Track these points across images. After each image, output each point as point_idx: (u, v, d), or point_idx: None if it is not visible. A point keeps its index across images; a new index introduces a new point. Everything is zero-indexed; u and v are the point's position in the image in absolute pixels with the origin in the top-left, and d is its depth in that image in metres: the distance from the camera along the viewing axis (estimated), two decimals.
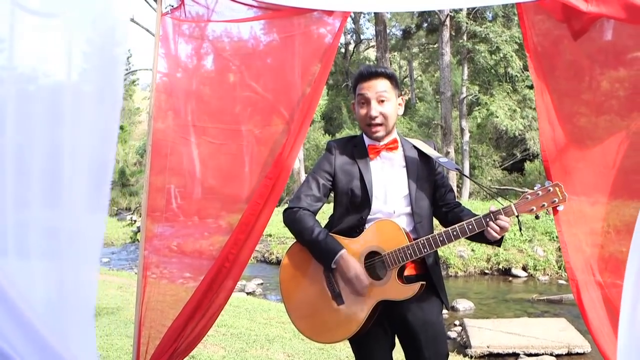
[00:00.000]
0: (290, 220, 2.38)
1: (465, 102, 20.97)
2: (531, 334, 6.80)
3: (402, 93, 2.43)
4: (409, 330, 2.35)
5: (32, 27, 1.96)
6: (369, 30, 34.48)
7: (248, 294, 10.08)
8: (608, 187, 2.30)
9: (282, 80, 2.64)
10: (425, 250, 2.21)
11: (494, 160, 23.25)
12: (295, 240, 2.45)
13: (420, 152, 2.43)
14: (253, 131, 2.68)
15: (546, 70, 2.33)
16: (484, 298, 9.94)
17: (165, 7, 2.67)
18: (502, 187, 20.02)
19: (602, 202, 2.31)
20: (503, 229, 2.14)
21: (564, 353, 6.51)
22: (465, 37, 20.46)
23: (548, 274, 11.64)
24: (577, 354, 6.54)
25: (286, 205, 2.54)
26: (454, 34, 20.31)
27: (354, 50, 31.43)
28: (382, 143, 2.40)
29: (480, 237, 2.20)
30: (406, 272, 2.31)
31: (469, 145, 20.90)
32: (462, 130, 20.79)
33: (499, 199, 2.49)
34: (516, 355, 6.44)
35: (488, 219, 2.15)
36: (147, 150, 2.65)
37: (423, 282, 2.25)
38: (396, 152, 2.42)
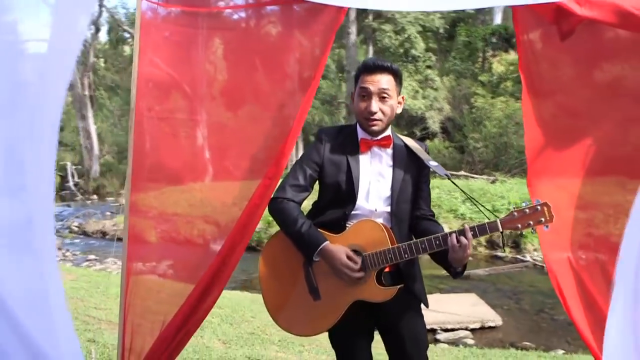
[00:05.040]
0: (275, 210, 2.32)
1: None
2: (445, 310, 7.07)
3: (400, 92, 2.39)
4: (391, 330, 2.36)
5: None
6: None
7: (159, 275, 9.70)
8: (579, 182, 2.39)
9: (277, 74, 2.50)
10: (407, 255, 2.19)
11: None
12: (275, 231, 2.40)
13: (410, 151, 2.40)
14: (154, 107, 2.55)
15: (534, 71, 2.37)
16: None
17: None
18: None
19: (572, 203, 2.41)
20: (462, 246, 2.10)
21: (477, 327, 6.87)
22: (370, 17, 20.76)
23: None
24: (490, 327, 6.94)
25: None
26: (359, 13, 20.56)
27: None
28: (375, 138, 2.35)
29: (443, 258, 2.20)
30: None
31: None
32: None
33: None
34: (433, 330, 6.67)
35: (472, 233, 2.12)
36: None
37: (401, 285, 2.25)
38: (387, 149, 2.37)
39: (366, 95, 2.29)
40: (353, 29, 19.11)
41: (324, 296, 2.29)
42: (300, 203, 2.36)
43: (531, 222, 2.09)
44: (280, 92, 2.46)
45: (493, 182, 15.69)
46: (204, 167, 2.58)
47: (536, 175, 2.39)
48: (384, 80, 2.27)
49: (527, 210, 2.10)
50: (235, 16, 2.63)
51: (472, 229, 2.12)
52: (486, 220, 2.14)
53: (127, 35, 29.54)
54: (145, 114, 2.52)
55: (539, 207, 2.08)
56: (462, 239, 2.11)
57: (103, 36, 32.02)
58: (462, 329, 6.79)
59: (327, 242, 2.24)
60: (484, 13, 30.56)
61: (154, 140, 2.56)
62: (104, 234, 14.37)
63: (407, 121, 23.57)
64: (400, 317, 2.33)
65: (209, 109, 2.56)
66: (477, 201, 2.52)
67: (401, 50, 21.37)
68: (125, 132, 33.05)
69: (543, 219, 2.08)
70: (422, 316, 2.40)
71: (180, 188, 2.64)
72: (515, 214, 2.11)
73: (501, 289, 9.05)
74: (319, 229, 2.30)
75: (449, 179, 2.44)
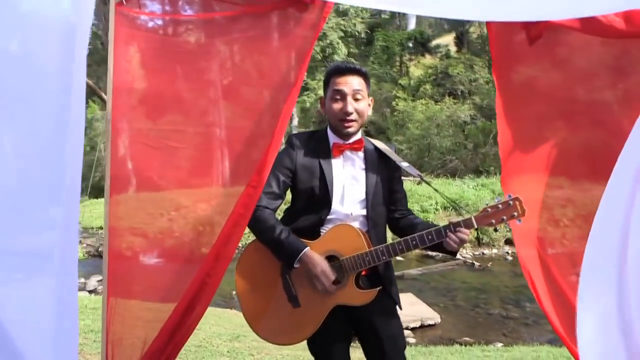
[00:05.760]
0: (251, 218, 2.21)
1: None
2: None
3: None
4: (369, 332, 2.33)
5: None
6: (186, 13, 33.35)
7: (90, 292, 9.23)
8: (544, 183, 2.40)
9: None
10: (384, 257, 2.18)
11: None
12: (250, 241, 2.35)
13: (380, 154, 2.38)
14: None
15: (505, 75, 2.41)
16: None
17: None
18: None
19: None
20: (462, 241, 2.14)
21: (417, 326, 6.93)
22: (292, 23, 20.68)
23: None
24: (429, 325, 7.00)
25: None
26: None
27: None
28: (347, 142, 2.33)
29: (436, 246, 2.19)
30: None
31: (297, 130, 21.29)
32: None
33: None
34: None
35: (448, 230, 2.13)
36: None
37: (379, 288, 2.24)
38: (359, 152, 2.35)
39: (340, 96, 2.28)
40: (275, 36, 18.98)
41: (304, 303, 2.25)
42: (275, 210, 2.31)
43: (504, 217, 2.10)
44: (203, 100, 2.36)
45: (419, 183, 15.97)
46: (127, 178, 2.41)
47: (509, 174, 2.39)
48: (356, 82, 2.28)
49: (500, 205, 2.11)
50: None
51: (447, 227, 2.14)
52: (461, 218, 2.16)
53: None
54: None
55: (511, 202, 2.10)
56: (458, 234, 2.12)
57: None
58: (403, 328, 6.75)
59: (307, 248, 2.20)
60: (400, 18, 31.38)
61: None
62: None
63: None
64: (378, 319, 2.32)
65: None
66: (451, 200, 2.50)
67: (319, 57, 21.43)
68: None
69: (516, 213, 2.09)
70: (398, 317, 2.40)
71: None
72: (489, 210, 2.12)
73: (435, 287, 9.16)
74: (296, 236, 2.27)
75: (421, 179, 2.48)
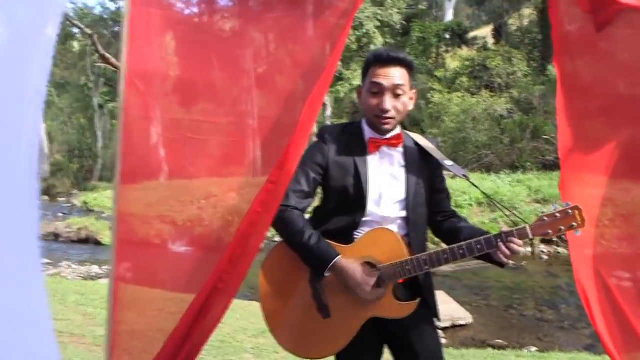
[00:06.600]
0: (278, 220, 2.05)
1: None
2: None
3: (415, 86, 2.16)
4: (405, 347, 2.11)
5: None
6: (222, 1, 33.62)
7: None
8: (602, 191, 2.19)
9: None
10: (427, 267, 1.97)
11: None
12: (277, 243, 2.17)
13: (422, 150, 2.17)
14: None
15: (568, 65, 2.18)
16: None
17: None
18: None
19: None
20: (513, 252, 1.93)
21: (449, 325, 6.74)
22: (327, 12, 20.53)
23: None
24: (461, 325, 6.81)
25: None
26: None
27: None
28: (385, 137, 2.12)
29: (483, 256, 1.99)
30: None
31: (330, 120, 21.18)
32: (324, 104, 21.01)
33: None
34: None
35: (499, 240, 1.93)
36: None
37: (419, 299, 2.04)
38: (398, 148, 2.14)
39: (378, 91, 2.06)
40: (310, 24, 18.85)
41: (335, 314, 2.04)
42: (304, 211, 2.12)
43: (562, 228, 1.92)
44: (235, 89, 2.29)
45: (453, 177, 15.69)
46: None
47: (568, 176, 2.18)
48: (398, 75, 2.05)
49: (558, 214, 1.92)
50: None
51: (498, 236, 1.93)
52: (515, 227, 1.95)
53: (75, 30, 28.59)
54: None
55: (569, 211, 1.91)
56: (510, 245, 1.92)
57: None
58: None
59: (339, 257, 2.00)
60: (436, 9, 30.93)
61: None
62: (56, 236, 13.92)
63: (360, 116, 23.53)
64: (415, 333, 2.10)
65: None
66: (498, 203, 2.33)
67: (354, 47, 21.18)
68: (76, 130, 32.27)
69: (575, 224, 1.91)
70: (436, 331, 2.18)
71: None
72: (546, 219, 1.94)
73: (468, 285, 8.96)
74: (327, 241, 2.05)
75: (467, 179, 2.22)
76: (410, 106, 2.15)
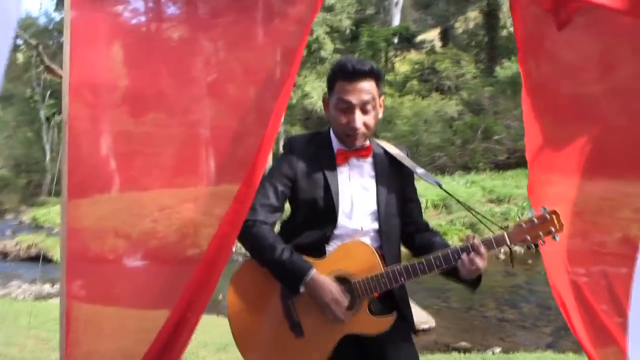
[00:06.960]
0: (246, 236, 1.98)
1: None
2: None
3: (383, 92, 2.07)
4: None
5: None
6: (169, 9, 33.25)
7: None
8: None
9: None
10: (402, 279, 1.89)
11: None
12: (244, 260, 2.09)
13: (392, 158, 2.10)
14: None
15: (532, 65, 2.19)
16: None
17: None
18: None
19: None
20: (476, 267, 1.86)
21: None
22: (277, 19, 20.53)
23: None
24: (424, 330, 6.77)
25: None
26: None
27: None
28: (352, 148, 2.04)
29: (453, 274, 1.93)
30: None
31: (282, 127, 21.11)
32: None
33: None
34: None
35: (472, 249, 1.87)
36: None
37: (394, 313, 1.95)
38: (367, 158, 2.07)
39: (347, 107, 1.96)
40: (260, 31, 18.79)
41: (308, 332, 1.95)
42: (273, 225, 2.03)
43: (541, 233, 1.86)
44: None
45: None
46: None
47: (536, 178, 2.18)
48: (366, 89, 1.94)
49: (536, 220, 1.87)
50: None
51: (473, 245, 1.87)
52: (491, 235, 1.90)
53: (19, 41, 27.70)
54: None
55: (547, 216, 1.85)
56: (473, 257, 1.85)
57: None
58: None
59: (314, 272, 1.90)
60: (384, 14, 31.24)
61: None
62: (4, 255, 13.35)
63: (317, 122, 23.53)
64: (391, 347, 2.00)
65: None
66: (476, 211, 2.29)
67: (304, 53, 21.16)
68: (22, 144, 31.23)
69: (553, 229, 1.86)
70: (413, 344, 2.09)
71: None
72: (523, 225, 1.88)
73: (428, 288, 8.96)
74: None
75: (440, 187, 2.15)
76: (380, 114, 2.05)
